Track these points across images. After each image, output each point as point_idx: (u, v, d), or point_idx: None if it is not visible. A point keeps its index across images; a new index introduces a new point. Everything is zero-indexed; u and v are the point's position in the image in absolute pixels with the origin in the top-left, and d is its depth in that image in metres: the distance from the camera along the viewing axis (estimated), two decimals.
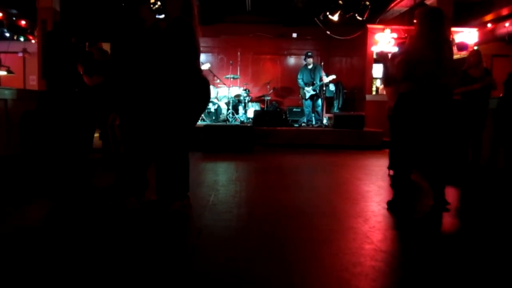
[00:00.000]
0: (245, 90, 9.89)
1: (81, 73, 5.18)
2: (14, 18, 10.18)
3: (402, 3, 8.94)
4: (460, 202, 3.93)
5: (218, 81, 10.06)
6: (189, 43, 2.98)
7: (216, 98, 9.67)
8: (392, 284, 2.03)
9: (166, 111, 3.02)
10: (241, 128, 7.50)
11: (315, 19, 9.51)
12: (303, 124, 9.44)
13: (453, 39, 3.93)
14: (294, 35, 11.20)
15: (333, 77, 9.16)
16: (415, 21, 3.28)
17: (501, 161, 5.38)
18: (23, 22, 10.38)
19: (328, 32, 9.74)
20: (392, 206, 3.35)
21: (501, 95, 5.51)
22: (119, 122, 3.33)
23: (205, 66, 9.36)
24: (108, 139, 5.40)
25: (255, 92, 10.94)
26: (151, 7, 3.27)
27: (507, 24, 8.95)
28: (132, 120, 3.17)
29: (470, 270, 2.22)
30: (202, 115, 9.14)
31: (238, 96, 9.82)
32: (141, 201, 3.23)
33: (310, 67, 9.26)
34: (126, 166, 3.22)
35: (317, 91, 9.14)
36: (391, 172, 5.12)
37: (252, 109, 9.76)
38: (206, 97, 3.21)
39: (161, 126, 3.06)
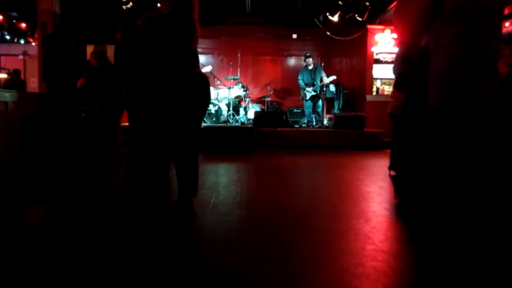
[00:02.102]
0: (242, 86, 9.89)
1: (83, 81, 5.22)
2: (14, 21, 10.22)
3: None
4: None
5: (218, 82, 10.07)
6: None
7: (217, 99, 9.68)
8: (394, 285, 2.02)
9: (175, 110, 3.02)
10: (242, 129, 7.50)
11: (315, 20, 9.51)
12: (303, 125, 9.45)
13: None
14: (294, 36, 11.20)
15: (333, 77, 9.16)
16: None
17: (501, 160, 5.36)
18: (23, 25, 10.42)
19: (328, 33, 9.75)
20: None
21: None
22: (129, 124, 3.32)
23: (206, 68, 9.38)
24: (113, 140, 5.43)
25: (256, 93, 10.95)
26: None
27: (507, 24, 8.95)
28: (142, 120, 3.16)
29: (471, 271, 2.21)
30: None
31: (238, 97, 9.83)
32: (159, 202, 3.23)
33: (310, 67, 9.26)
34: (136, 167, 3.22)
35: (318, 92, 9.15)
36: (392, 173, 5.12)
37: (252, 110, 9.77)
38: (207, 93, 3.21)
39: (173, 125, 3.05)
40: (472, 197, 1.64)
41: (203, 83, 3.11)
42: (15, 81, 9.63)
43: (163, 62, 3.00)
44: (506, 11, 8.62)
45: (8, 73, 10.21)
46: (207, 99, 3.19)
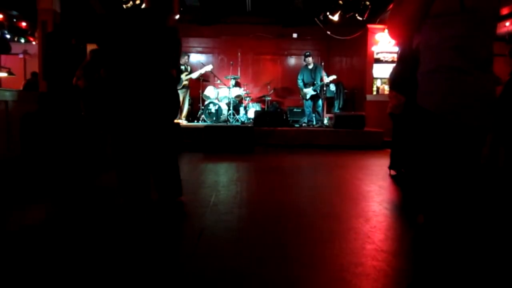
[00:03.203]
0: (237, 84, 9.91)
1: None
2: (14, 20, 10.20)
3: None
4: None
5: (218, 81, 10.07)
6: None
7: (217, 98, 9.68)
8: (394, 284, 2.03)
9: (156, 109, 3.01)
10: (242, 128, 7.50)
11: (315, 19, 9.51)
12: (303, 124, 9.44)
13: None
14: (294, 35, 11.20)
15: (333, 77, 9.16)
16: None
17: (502, 159, 5.37)
18: (23, 24, 10.39)
19: (328, 32, 9.74)
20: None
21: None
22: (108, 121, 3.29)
23: (207, 68, 9.37)
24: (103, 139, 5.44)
25: (256, 93, 10.95)
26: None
27: (507, 24, 8.95)
28: (122, 120, 3.12)
29: (471, 270, 2.22)
30: (203, 115, 9.21)
31: (238, 96, 9.82)
32: (145, 201, 3.22)
33: (310, 67, 9.26)
34: (122, 167, 3.20)
35: (318, 91, 9.14)
36: (392, 172, 5.12)
37: (252, 110, 9.77)
38: (175, 92, 3.23)
39: (154, 124, 3.04)
40: (467, 196, 1.65)
41: (171, 82, 3.10)
42: (35, 82, 9.70)
43: (133, 56, 2.96)
44: (506, 11, 8.61)
45: (9, 73, 10.20)
46: (176, 98, 3.20)
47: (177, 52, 3.12)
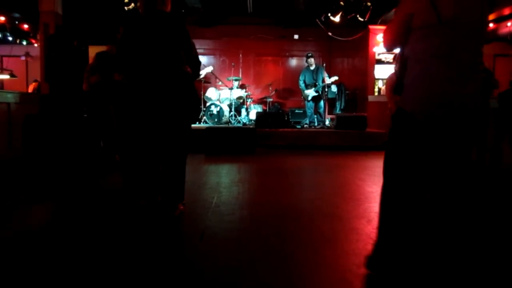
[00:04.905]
0: (241, 86, 9.91)
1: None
2: (16, 22, 10.23)
3: None
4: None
5: (220, 83, 10.08)
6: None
7: (218, 100, 9.68)
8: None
9: (172, 110, 3.00)
10: (243, 129, 7.50)
11: (317, 20, 9.51)
12: (305, 125, 9.44)
13: None
14: (296, 36, 11.21)
15: (335, 78, 9.16)
16: None
17: (505, 161, 5.36)
18: (25, 26, 10.42)
19: (329, 33, 9.75)
20: None
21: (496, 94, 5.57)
22: (116, 124, 3.29)
23: (208, 69, 9.38)
24: (112, 140, 5.43)
25: (257, 94, 10.96)
26: None
27: (509, 24, 8.93)
28: (134, 120, 3.12)
29: (473, 271, 2.21)
30: (205, 117, 9.22)
31: (240, 98, 9.83)
32: (149, 202, 3.22)
33: (312, 68, 9.26)
34: (129, 167, 3.21)
35: (320, 93, 9.14)
36: None
37: (254, 111, 9.78)
38: (194, 92, 3.22)
39: (168, 125, 3.03)
40: (452, 193, 1.80)
41: (189, 82, 3.09)
42: (37, 88, 9.78)
43: (145, 58, 2.96)
44: (508, 11, 8.59)
45: (11, 75, 10.23)
46: (195, 98, 3.18)
47: (186, 45, 3.07)
